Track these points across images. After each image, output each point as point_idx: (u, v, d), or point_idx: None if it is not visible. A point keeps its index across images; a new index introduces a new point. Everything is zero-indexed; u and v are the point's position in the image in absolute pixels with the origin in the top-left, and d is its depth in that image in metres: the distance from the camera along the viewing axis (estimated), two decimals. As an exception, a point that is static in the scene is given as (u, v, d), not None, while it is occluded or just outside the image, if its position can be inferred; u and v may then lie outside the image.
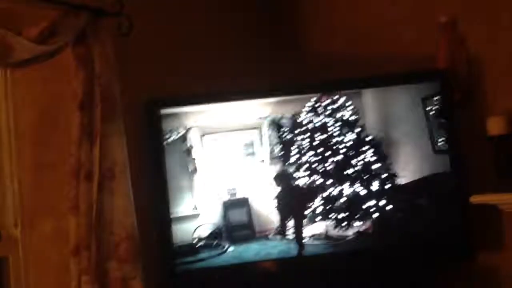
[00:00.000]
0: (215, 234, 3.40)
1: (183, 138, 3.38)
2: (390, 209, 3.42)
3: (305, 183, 3.45)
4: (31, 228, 3.04)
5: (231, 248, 3.36)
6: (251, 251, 3.37)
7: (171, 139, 3.35)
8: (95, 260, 2.89)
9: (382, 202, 3.42)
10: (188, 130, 3.38)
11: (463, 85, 3.46)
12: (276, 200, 3.41)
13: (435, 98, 3.41)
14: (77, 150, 2.95)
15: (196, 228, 3.38)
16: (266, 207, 3.42)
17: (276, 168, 3.46)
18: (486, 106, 3.41)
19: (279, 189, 3.42)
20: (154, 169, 3.29)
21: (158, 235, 3.24)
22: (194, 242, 3.36)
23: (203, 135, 3.42)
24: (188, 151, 3.39)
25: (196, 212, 3.40)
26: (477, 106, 3.43)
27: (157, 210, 3.27)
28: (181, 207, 3.36)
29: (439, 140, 3.46)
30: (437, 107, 3.41)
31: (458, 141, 3.37)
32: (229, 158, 3.42)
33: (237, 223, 3.40)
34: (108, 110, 3.00)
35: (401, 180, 3.43)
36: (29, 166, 3.05)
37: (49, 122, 3.10)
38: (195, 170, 3.38)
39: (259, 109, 3.48)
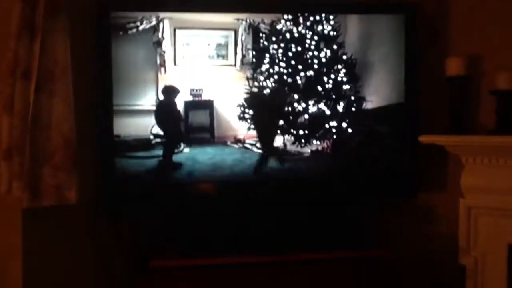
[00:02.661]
0: (173, 133, 3.24)
1: (154, 29, 3.09)
2: (351, 132, 3.36)
3: (272, 94, 3.31)
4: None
5: (186, 150, 3.22)
6: (206, 155, 3.25)
7: (141, 28, 3.05)
8: (28, 165, 2.68)
9: (344, 124, 3.36)
10: (160, 21, 3.09)
11: (428, 23, 3.37)
12: (242, 108, 3.25)
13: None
14: (15, 45, 2.66)
15: (154, 125, 3.17)
16: (229, 112, 3.27)
17: (246, 74, 3.27)
18: (449, 46, 3.36)
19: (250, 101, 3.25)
20: (101, 60, 3.03)
21: (101, 128, 3.05)
22: (150, 137, 3.17)
23: (175, 29, 3.13)
24: (158, 43, 3.12)
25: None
26: (440, 45, 3.37)
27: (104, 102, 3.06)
28: (142, 100, 3.14)
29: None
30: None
31: (416, 78, 3.33)
32: (199, 57, 3.19)
33: (197, 125, 3.25)
34: (52, 3, 2.69)
35: (368, 105, 3.36)
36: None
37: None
38: (163, 64, 3.14)
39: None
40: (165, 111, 3.13)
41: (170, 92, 3.11)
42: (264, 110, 3.29)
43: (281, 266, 3.06)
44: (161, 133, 3.17)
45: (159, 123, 3.12)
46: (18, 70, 2.67)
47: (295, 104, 3.35)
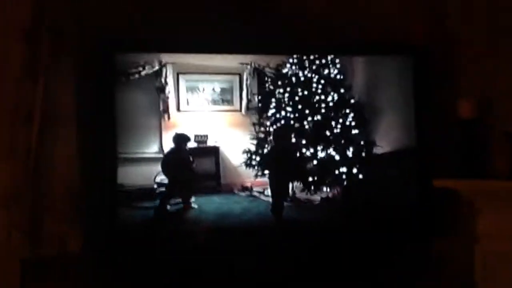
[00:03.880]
0: (178, 182, 3.11)
1: (156, 74, 3.01)
2: (362, 178, 3.23)
3: (279, 140, 3.21)
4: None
5: (192, 199, 3.09)
6: (213, 204, 3.11)
7: (144, 73, 2.98)
8: (29, 214, 2.56)
9: (354, 170, 3.23)
10: (163, 66, 3.01)
11: (438, 64, 3.26)
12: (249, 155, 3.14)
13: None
14: (18, 87, 2.58)
15: (159, 173, 3.05)
16: (236, 159, 3.15)
17: (252, 119, 3.17)
18: (460, 88, 3.24)
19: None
20: (104, 105, 2.89)
21: (102, 179, 2.89)
22: (154, 187, 3.04)
23: (179, 74, 3.06)
24: (161, 89, 3.03)
25: (161, 155, 3.07)
26: (451, 88, 3.25)
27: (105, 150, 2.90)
28: (146, 148, 3.03)
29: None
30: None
31: (427, 121, 3.22)
32: (203, 102, 3.10)
33: (203, 173, 3.13)
34: (57, 45, 2.63)
35: (378, 149, 3.24)
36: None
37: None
38: (166, 109, 3.05)
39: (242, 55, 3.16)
40: (175, 158, 3.03)
41: (181, 139, 3.00)
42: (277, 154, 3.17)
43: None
44: (165, 181, 3.02)
45: (167, 170, 2.97)
46: (20, 114, 2.60)
47: (303, 150, 3.21)
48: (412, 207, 3.20)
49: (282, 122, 3.21)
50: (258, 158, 3.16)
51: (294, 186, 3.22)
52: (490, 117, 3.13)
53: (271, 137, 3.16)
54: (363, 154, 3.25)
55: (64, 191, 2.67)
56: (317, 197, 3.23)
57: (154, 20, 2.92)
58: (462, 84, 3.23)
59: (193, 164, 3.05)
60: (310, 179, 3.23)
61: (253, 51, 3.14)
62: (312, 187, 3.24)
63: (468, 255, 3.08)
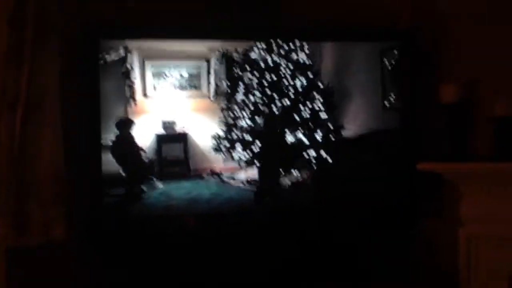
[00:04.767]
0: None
1: (122, 59, 2.99)
2: (331, 161, 3.24)
3: (248, 125, 3.20)
4: None
5: (160, 185, 3.08)
6: (182, 189, 3.11)
7: (109, 59, 2.95)
8: (13, 200, 2.52)
9: (324, 154, 3.24)
10: (128, 51, 2.98)
11: (424, 48, 3.24)
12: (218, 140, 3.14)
13: (395, 51, 3.19)
14: (1, 73, 2.54)
15: (125, 160, 3.04)
16: (204, 145, 3.15)
17: (220, 105, 3.16)
18: (444, 72, 3.21)
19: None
20: (87, 93, 2.87)
21: (86, 165, 2.87)
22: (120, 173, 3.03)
23: (144, 59, 3.04)
24: (127, 75, 3.01)
25: (128, 142, 3.06)
26: (435, 71, 3.23)
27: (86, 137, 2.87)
28: (111, 135, 3.02)
29: (391, 97, 3.27)
30: (394, 62, 3.22)
31: (413, 105, 3.21)
32: (170, 88, 3.08)
33: (171, 159, 3.12)
34: (41, 30, 2.58)
35: (347, 133, 3.25)
36: None
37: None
38: (132, 96, 3.03)
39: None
40: (122, 145, 2.97)
41: (126, 124, 2.95)
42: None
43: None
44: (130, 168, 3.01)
45: (114, 157, 2.93)
46: (4, 100, 2.55)
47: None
48: (396, 191, 3.19)
49: (251, 107, 3.19)
50: (227, 144, 3.15)
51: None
52: (473, 100, 3.10)
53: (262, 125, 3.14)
54: (332, 138, 3.23)
55: (49, 178, 2.64)
56: (286, 182, 3.21)
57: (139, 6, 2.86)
58: (446, 67, 3.19)
59: (139, 148, 3.01)
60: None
61: (223, 37, 3.10)
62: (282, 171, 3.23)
63: (452, 238, 3.08)
